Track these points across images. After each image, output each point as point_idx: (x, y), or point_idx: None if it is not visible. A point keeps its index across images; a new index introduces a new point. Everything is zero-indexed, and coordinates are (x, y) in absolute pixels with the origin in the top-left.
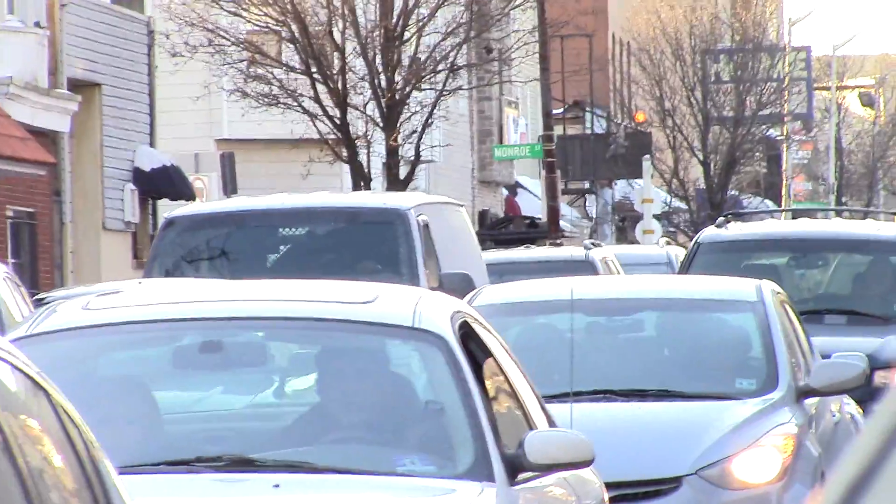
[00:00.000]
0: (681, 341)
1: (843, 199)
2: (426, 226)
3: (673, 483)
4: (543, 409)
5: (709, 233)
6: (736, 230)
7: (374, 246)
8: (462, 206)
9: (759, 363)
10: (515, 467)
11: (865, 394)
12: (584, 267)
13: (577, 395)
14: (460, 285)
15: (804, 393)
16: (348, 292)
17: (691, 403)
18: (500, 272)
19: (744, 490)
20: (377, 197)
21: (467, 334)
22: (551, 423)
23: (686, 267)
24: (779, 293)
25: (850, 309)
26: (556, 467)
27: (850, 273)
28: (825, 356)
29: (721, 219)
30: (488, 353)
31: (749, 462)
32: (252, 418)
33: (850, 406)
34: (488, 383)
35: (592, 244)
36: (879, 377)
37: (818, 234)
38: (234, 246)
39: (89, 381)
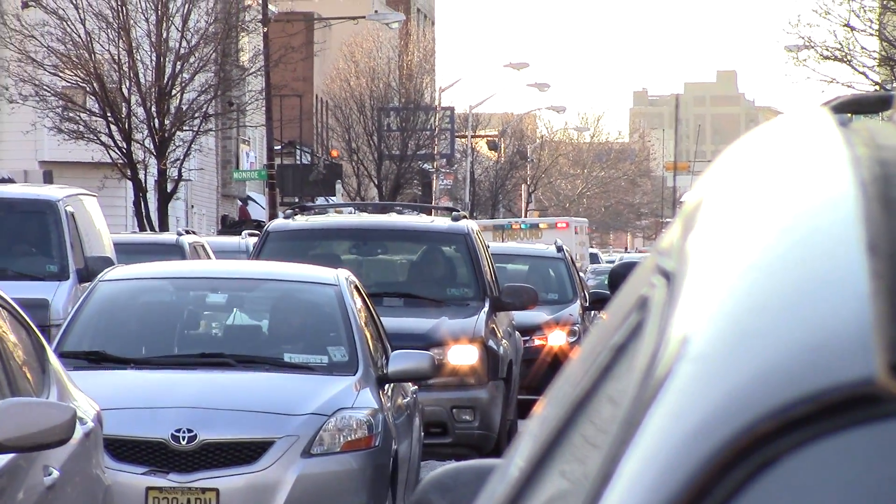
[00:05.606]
0: None
1: (475, 215)
2: (73, 215)
3: None
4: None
5: (277, 223)
6: (302, 221)
7: (27, 233)
8: (96, 196)
9: None
10: None
11: None
12: (175, 250)
13: None
14: (103, 266)
15: None
16: None
17: None
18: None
19: None
20: (30, 189)
21: None
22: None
23: (257, 254)
24: None
25: (407, 292)
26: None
27: (407, 260)
28: (389, 335)
29: (289, 210)
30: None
31: None
32: None
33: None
34: None
35: (185, 231)
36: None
37: (376, 225)
38: None
39: None
